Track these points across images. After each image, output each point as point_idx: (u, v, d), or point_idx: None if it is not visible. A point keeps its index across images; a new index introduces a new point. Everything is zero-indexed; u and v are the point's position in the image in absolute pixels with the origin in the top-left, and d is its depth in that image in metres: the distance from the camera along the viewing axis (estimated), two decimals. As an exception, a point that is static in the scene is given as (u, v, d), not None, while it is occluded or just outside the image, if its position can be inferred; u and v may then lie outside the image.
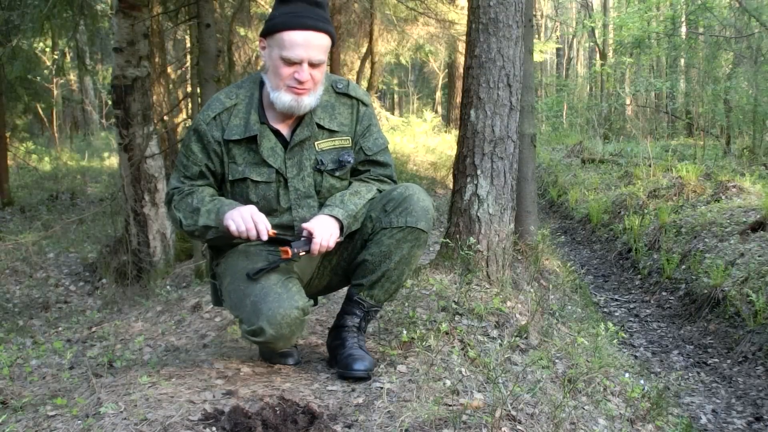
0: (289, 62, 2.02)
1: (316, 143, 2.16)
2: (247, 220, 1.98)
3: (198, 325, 3.24)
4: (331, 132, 2.18)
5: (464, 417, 1.83)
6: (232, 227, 1.98)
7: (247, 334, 2.00)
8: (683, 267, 5.29)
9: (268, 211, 2.13)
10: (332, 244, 2.06)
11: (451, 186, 3.61)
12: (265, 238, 1.99)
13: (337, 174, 2.19)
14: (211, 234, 2.07)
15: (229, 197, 2.16)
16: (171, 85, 9.37)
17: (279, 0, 2.07)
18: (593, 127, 15.28)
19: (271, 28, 2.05)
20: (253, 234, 1.98)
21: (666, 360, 4.05)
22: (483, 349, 2.44)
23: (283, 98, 2.05)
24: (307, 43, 2.00)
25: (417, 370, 2.17)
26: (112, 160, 12.56)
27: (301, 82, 2.02)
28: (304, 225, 2.06)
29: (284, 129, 2.15)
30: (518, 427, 1.85)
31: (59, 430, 1.79)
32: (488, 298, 2.90)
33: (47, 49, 13.69)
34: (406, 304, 2.75)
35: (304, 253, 2.03)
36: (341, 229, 2.10)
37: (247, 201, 2.12)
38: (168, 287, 4.83)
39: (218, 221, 2.03)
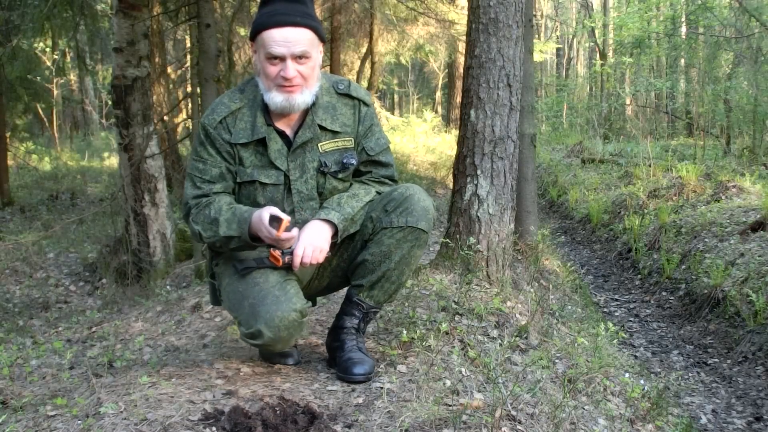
0: (273, 59, 2.02)
1: (319, 145, 2.16)
2: (273, 239, 1.99)
3: (198, 325, 3.24)
4: (334, 133, 2.18)
5: (464, 417, 1.83)
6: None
7: (245, 336, 2.00)
8: (683, 267, 5.29)
9: None
10: (321, 259, 2.05)
11: (451, 186, 3.61)
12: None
13: (340, 176, 2.19)
14: (234, 243, 2.06)
15: (237, 200, 2.16)
16: (171, 85, 9.38)
17: (261, 2, 2.08)
18: (593, 127, 15.29)
19: (253, 31, 2.07)
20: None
21: (666, 360, 4.05)
22: (483, 349, 2.44)
23: (275, 99, 2.05)
24: (286, 39, 1.99)
25: (417, 370, 2.17)
26: (112, 160, 12.56)
27: (287, 79, 2.01)
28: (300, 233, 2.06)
29: (288, 131, 2.15)
30: (518, 427, 1.85)
31: (59, 430, 1.79)
32: (488, 298, 2.90)
33: (47, 49, 13.69)
34: (406, 304, 2.75)
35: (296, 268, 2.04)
36: (336, 232, 2.10)
37: (254, 203, 2.12)
38: (168, 287, 4.84)
39: (240, 231, 2.02)
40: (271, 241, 1.99)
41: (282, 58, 2.01)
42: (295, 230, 2.02)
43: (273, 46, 2.00)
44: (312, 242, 2.04)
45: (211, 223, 2.06)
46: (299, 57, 2.02)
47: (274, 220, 1.96)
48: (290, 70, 2.01)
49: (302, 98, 2.06)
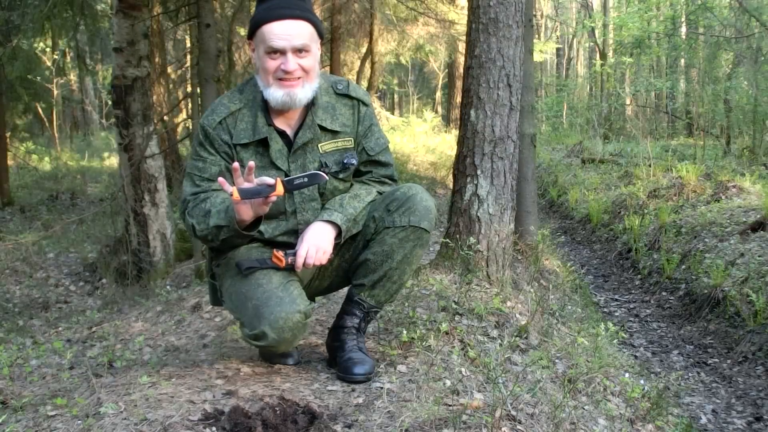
0: (273, 53, 2.01)
1: (319, 145, 2.16)
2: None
3: (198, 325, 3.24)
4: (334, 133, 2.18)
5: (464, 417, 1.83)
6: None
7: (248, 337, 2.00)
8: (683, 267, 5.29)
9: (275, 215, 2.13)
10: (324, 260, 2.06)
11: (451, 186, 3.61)
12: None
13: (340, 176, 2.19)
14: (223, 234, 2.04)
15: None
16: (171, 85, 9.38)
17: None
18: (593, 127, 15.28)
19: (252, 27, 2.06)
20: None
21: (666, 360, 4.05)
22: (483, 349, 2.44)
23: (275, 94, 2.04)
24: (286, 32, 1.99)
25: (417, 370, 2.17)
26: (112, 160, 12.56)
27: (288, 72, 2.01)
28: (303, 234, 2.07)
29: (288, 131, 2.15)
30: (518, 427, 1.85)
31: (59, 430, 1.79)
32: (488, 298, 2.90)
33: (47, 49, 13.69)
34: (406, 304, 2.75)
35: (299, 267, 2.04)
36: (339, 233, 2.10)
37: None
38: (168, 287, 4.83)
39: (228, 219, 2.00)
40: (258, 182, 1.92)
41: (282, 52, 2.01)
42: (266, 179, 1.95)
43: (273, 40, 2.00)
44: (315, 243, 2.04)
45: (204, 216, 2.05)
46: (300, 50, 2.02)
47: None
48: (291, 63, 2.00)
49: (303, 93, 2.05)
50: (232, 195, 1.88)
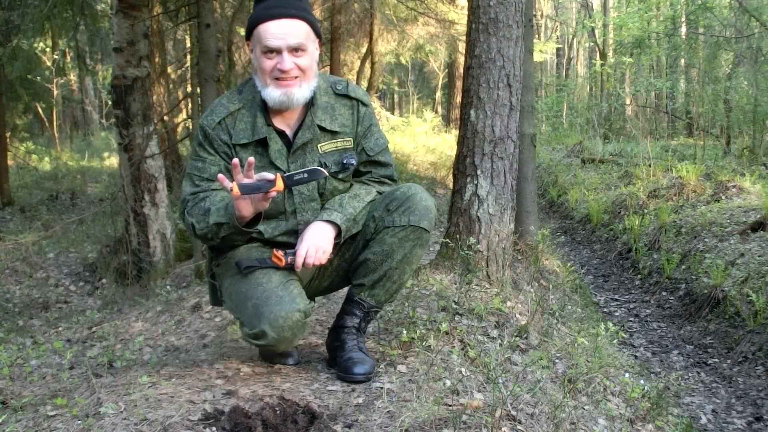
0: (269, 53, 2.01)
1: (318, 146, 2.16)
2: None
3: (198, 325, 3.24)
4: (333, 134, 2.18)
5: (464, 417, 1.83)
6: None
7: (248, 336, 2.00)
8: (683, 267, 5.29)
9: (275, 215, 2.13)
10: (323, 260, 2.06)
11: (451, 186, 3.62)
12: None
13: (340, 176, 2.19)
14: (223, 231, 2.03)
15: None
16: (171, 85, 9.38)
17: None
18: (593, 127, 15.28)
19: (249, 27, 2.07)
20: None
21: (666, 360, 4.05)
22: (483, 349, 2.44)
23: (272, 93, 2.04)
24: (281, 31, 1.99)
25: (417, 370, 2.17)
26: (112, 160, 12.57)
27: (284, 71, 2.01)
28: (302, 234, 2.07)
29: (288, 131, 2.15)
30: (518, 427, 1.85)
31: (59, 430, 1.79)
32: (488, 298, 2.90)
33: (47, 49, 13.69)
34: (406, 304, 2.75)
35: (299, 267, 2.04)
36: (339, 233, 2.10)
37: None
38: (168, 287, 4.83)
39: (228, 216, 2.00)
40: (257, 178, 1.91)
41: (278, 51, 2.01)
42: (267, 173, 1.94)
43: (269, 39, 2.00)
44: (315, 243, 2.04)
45: (204, 214, 2.05)
46: (295, 49, 2.01)
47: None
48: (286, 62, 2.00)
49: (301, 92, 2.05)
50: (231, 190, 1.88)
